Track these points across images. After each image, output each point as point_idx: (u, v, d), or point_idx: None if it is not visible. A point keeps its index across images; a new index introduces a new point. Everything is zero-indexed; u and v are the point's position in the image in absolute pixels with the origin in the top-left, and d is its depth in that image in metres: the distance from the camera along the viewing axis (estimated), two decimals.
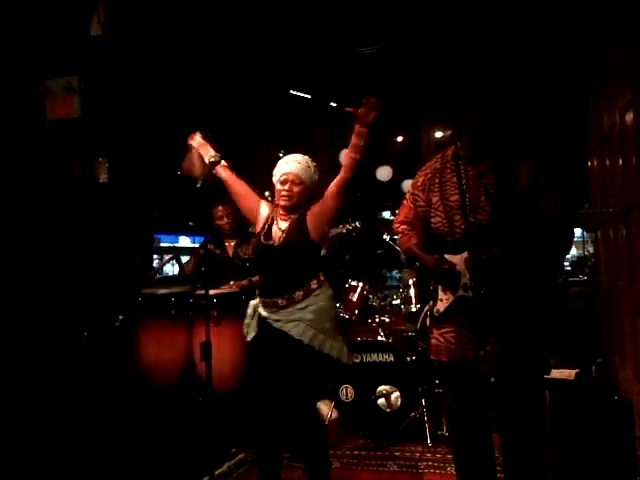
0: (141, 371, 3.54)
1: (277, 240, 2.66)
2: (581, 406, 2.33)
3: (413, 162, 8.76)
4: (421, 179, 2.51)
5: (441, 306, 2.39)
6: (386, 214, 13.83)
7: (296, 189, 2.64)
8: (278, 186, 2.70)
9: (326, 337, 2.55)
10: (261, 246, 2.70)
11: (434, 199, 2.44)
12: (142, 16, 4.30)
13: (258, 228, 2.77)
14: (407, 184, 9.56)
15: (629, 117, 2.97)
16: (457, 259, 2.33)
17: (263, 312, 2.68)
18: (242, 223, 4.05)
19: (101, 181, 4.28)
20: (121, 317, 3.79)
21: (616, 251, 3.44)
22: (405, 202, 2.59)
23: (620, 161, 3.21)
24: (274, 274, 2.67)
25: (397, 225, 2.62)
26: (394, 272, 12.25)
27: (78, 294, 4.08)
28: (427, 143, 8.49)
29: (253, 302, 2.78)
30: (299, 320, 2.55)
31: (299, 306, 2.57)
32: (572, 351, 3.51)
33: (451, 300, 2.35)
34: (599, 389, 2.60)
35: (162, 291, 3.51)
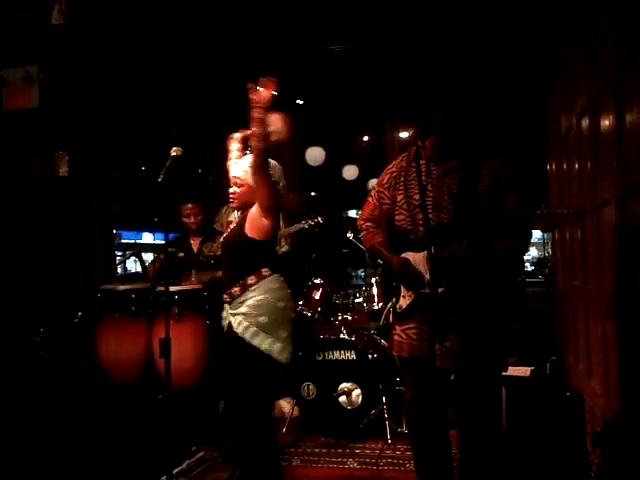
0: (100, 368, 3.48)
1: (225, 236, 2.74)
2: (535, 403, 2.40)
3: (379, 161, 8.85)
4: (387, 177, 2.54)
5: (404, 303, 2.42)
6: (352, 213, 13.92)
7: (239, 191, 2.66)
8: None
9: (258, 330, 2.51)
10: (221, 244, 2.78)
11: (399, 197, 2.47)
12: (104, 5, 4.21)
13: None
14: (373, 183, 9.65)
15: (585, 122, 3.05)
16: (419, 257, 2.37)
17: (226, 307, 2.71)
18: (208, 221, 4.03)
19: (61, 174, 4.18)
20: (80, 313, 3.73)
21: (572, 252, 3.54)
22: (370, 199, 2.61)
23: (576, 164, 3.30)
24: (223, 271, 2.73)
25: (362, 222, 2.64)
26: (359, 271, 12.33)
27: (37, 289, 3.98)
28: (392, 143, 8.55)
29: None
30: (237, 314, 2.56)
31: (238, 300, 2.57)
32: (529, 349, 3.60)
33: (413, 297, 2.39)
34: (553, 386, 2.67)
35: (122, 287, 3.46)
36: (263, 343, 2.49)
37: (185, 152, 2.74)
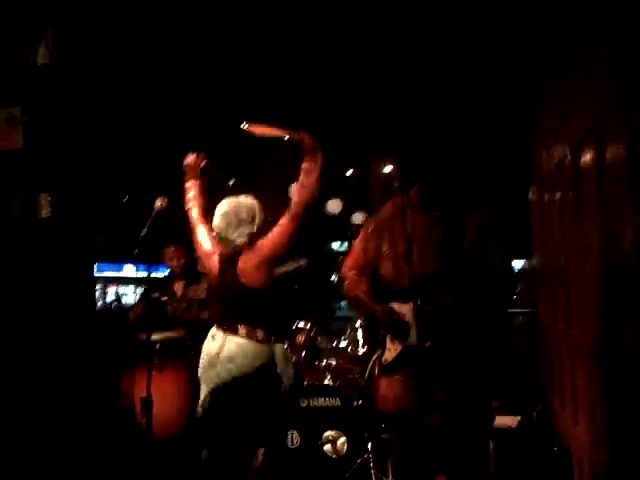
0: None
1: None
2: (523, 456, 2.36)
3: (363, 195, 8.92)
4: (372, 226, 2.52)
5: (389, 355, 2.39)
6: (335, 245, 13.96)
7: None
8: None
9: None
10: None
11: (384, 247, 2.45)
12: (90, 47, 4.22)
13: None
14: (356, 217, 9.71)
15: (567, 167, 3.09)
16: (405, 308, 2.34)
17: None
18: (192, 264, 3.98)
19: (43, 215, 4.13)
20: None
21: (555, 295, 3.56)
22: (355, 247, 2.60)
23: (557, 211, 3.34)
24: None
25: (346, 270, 2.61)
26: (342, 303, 12.31)
27: (15, 333, 3.89)
28: (376, 177, 8.66)
29: None
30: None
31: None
32: (515, 392, 3.58)
33: (399, 350, 2.36)
34: (540, 439, 2.65)
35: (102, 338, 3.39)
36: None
37: (167, 193, 2.73)
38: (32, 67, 4.16)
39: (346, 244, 13.63)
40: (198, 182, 2.65)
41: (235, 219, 2.62)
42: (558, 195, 3.35)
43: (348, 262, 2.62)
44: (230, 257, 2.62)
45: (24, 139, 4.18)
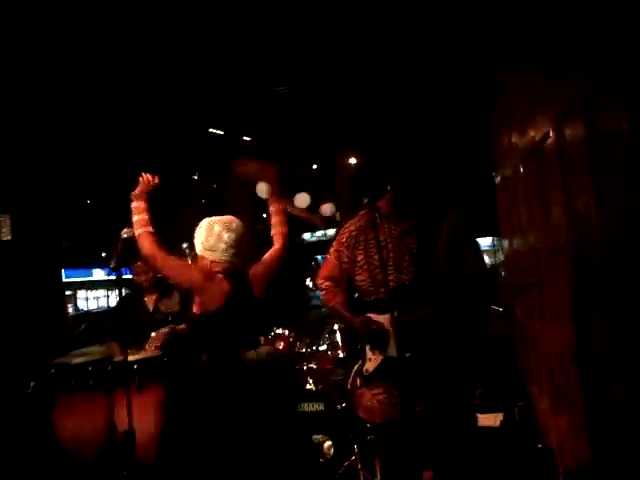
0: (57, 444, 3.31)
1: None
2: (507, 454, 2.40)
3: (329, 187, 8.93)
4: (345, 236, 2.51)
5: (370, 366, 2.40)
6: (306, 236, 13.98)
7: None
8: None
9: None
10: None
11: (359, 257, 2.44)
12: (42, 64, 4.09)
13: None
14: (325, 208, 9.72)
15: (528, 167, 3.11)
16: (382, 318, 2.34)
17: None
18: (162, 277, 3.91)
19: (3, 238, 4.02)
20: (32, 383, 3.56)
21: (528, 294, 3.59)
22: (329, 257, 2.58)
23: (524, 198, 3.36)
24: None
25: (321, 281, 2.60)
26: (318, 292, 12.36)
27: None
28: (342, 168, 8.66)
29: None
30: None
31: None
32: (492, 377, 3.63)
33: (379, 361, 2.37)
34: (522, 437, 2.69)
35: (76, 360, 3.31)
36: None
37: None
38: None
39: (318, 234, 13.67)
40: (147, 204, 2.62)
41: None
42: (524, 182, 3.36)
43: (323, 272, 2.61)
44: (236, 272, 2.66)
45: None
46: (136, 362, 3.21)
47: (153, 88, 4.94)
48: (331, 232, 10.12)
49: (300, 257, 4.79)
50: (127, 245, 2.39)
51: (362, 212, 2.52)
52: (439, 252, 2.32)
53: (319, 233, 13.28)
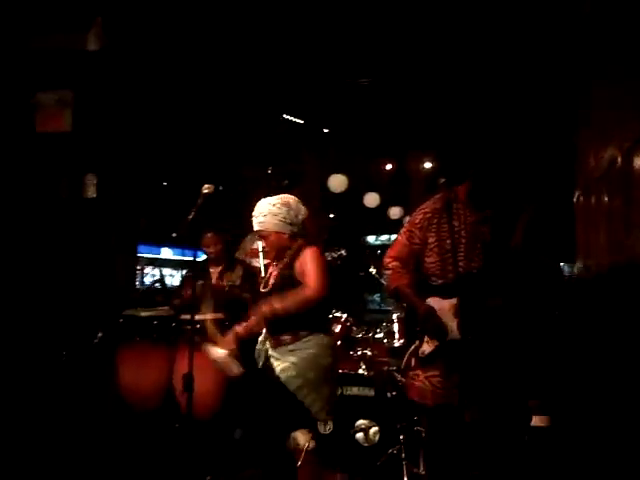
0: (119, 393, 3.48)
1: (271, 284, 2.72)
2: (555, 453, 2.35)
3: (401, 190, 8.89)
4: (419, 217, 2.51)
5: (427, 348, 2.40)
6: (370, 239, 13.95)
7: (269, 242, 2.69)
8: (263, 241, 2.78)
9: (303, 385, 2.56)
10: (260, 295, 2.77)
11: (430, 239, 2.44)
12: (140, 33, 4.31)
13: (261, 280, 2.85)
14: (394, 211, 9.66)
15: (616, 171, 3.02)
16: (445, 304, 2.34)
17: (267, 345, 2.75)
18: (229, 251, 4.03)
19: (89, 196, 4.26)
20: (100, 334, 3.76)
21: None
22: (400, 238, 2.58)
23: (605, 217, 3.26)
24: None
25: (389, 260, 2.60)
26: (375, 296, 12.32)
27: (60, 310, 4.03)
28: (416, 171, 8.59)
29: (263, 334, 2.83)
30: (286, 362, 2.60)
31: (287, 348, 2.62)
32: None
33: (437, 343, 2.36)
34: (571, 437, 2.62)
35: (144, 313, 3.48)
36: (306, 398, 2.55)
37: (211, 182, 2.77)
38: (82, 53, 4.28)
39: (382, 238, 13.60)
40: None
41: None
42: (605, 200, 3.27)
43: (391, 253, 2.61)
44: None
45: (73, 122, 4.32)
46: (199, 321, 3.34)
47: (232, 76, 5.08)
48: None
49: (362, 260, 4.81)
50: (206, 201, 2.49)
51: (438, 195, 2.51)
52: (512, 244, 2.31)
53: (384, 237, 13.20)
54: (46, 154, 4.27)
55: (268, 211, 2.68)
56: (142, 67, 4.41)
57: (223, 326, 3.47)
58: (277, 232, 2.66)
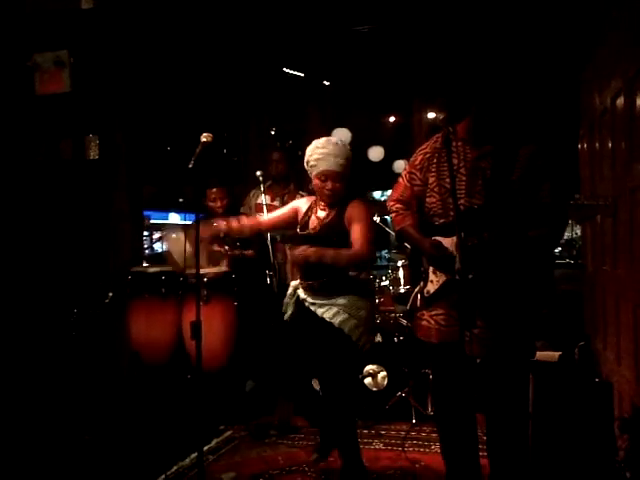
0: (131, 348, 3.56)
1: (314, 228, 2.74)
2: (563, 388, 2.39)
3: (405, 143, 8.79)
4: (419, 158, 2.49)
5: (431, 287, 2.41)
6: (376, 194, 13.87)
7: (338, 185, 2.67)
8: (317, 181, 2.71)
9: (359, 324, 2.64)
10: (298, 237, 2.80)
11: (431, 179, 2.43)
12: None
13: (299, 222, 2.85)
14: (398, 165, 9.57)
15: (620, 102, 2.98)
16: (448, 242, 2.35)
17: (302, 294, 2.78)
18: (234, 205, 4.05)
19: (91, 157, 4.25)
20: (111, 294, 3.82)
21: (602, 236, 3.49)
22: (401, 180, 2.57)
23: (609, 146, 3.23)
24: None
25: (392, 203, 2.60)
26: (383, 252, 12.34)
27: (68, 271, 4.08)
28: (419, 124, 8.46)
29: (294, 283, 2.88)
30: (331, 304, 2.64)
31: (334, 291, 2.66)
32: (557, 333, 3.58)
33: (441, 282, 2.38)
34: (581, 372, 2.66)
35: (152, 269, 3.53)
36: (358, 334, 2.64)
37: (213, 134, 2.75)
38: (77, 11, 4.22)
39: (389, 193, 13.53)
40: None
41: None
42: (610, 136, 3.24)
43: (393, 195, 2.61)
44: None
45: (72, 82, 4.28)
46: (206, 275, 3.38)
47: (231, 29, 4.98)
48: None
49: None
50: (205, 149, 2.48)
51: (438, 134, 2.49)
52: (513, 179, 2.28)
53: (390, 192, 13.09)
54: (47, 115, 4.25)
55: (349, 155, 2.68)
56: (141, 24, 4.33)
57: (230, 280, 3.52)
58: (346, 177, 2.69)
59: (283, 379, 3.14)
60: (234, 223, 2.93)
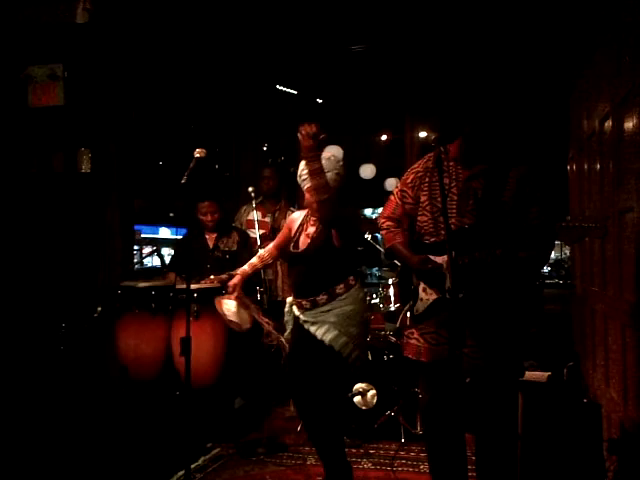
0: (119, 363, 3.53)
1: (303, 246, 2.75)
2: (552, 409, 2.39)
3: (397, 161, 8.86)
4: (411, 176, 2.51)
5: (421, 306, 2.42)
6: (368, 211, 13.94)
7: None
8: (308, 195, 2.71)
9: (349, 341, 2.63)
10: (288, 255, 2.82)
11: (422, 198, 2.45)
12: (129, 4, 4.26)
13: (292, 239, 2.85)
14: (390, 182, 9.63)
15: (608, 126, 3.02)
16: (439, 260, 2.36)
17: (295, 311, 2.79)
18: (225, 218, 4.05)
19: (83, 171, 4.25)
20: (100, 308, 3.79)
21: (591, 257, 3.52)
22: (392, 198, 2.59)
23: (598, 169, 3.27)
24: (299, 278, 2.76)
25: (383, 221, 2.61)
26: (374, 269, 12.36)
27: (58, 285, 4.05)
28: (411, 142, 8.53)
29: (290, 299, 2.87)
30: (322, 322, 2.64)
31: (323, 309, 2.67)
32: (546, 354, 3.59)
33: (431, 300, 2.39)
34: (570, 392, 2.66)
35: (142, 284, 3.51)
36: (348, 351, 2.63)
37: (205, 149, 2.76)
38: (72, 25, 4.24)
39: (380, 210, 13.59)
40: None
41: None
42: (598, 158, 3.28)
43: (384, 213, 2.62)
44: None
45: (65, 96, 4.29)
46: (196, 291, 3.37)
47: (224, 46, 5.02)
48: None
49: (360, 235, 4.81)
50: (199, 164, 2.49)
51: (430, 154, 2.51)
52: (504, 199, 2.30)
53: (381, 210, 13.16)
54: (39, 128, 4.25)
55: (340, 171, 2.69)
56: (135, 39, 4.36)
57: (219, 295, 3.50)
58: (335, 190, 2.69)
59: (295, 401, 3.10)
60: (257, 262, 3.02)
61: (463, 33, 4.29)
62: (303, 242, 2.76)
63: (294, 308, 2.79)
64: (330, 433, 2.72)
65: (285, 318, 2.88)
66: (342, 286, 2.65)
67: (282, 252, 2.91)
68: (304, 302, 2.69)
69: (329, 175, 2.62)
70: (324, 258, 2.65)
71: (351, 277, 2.68)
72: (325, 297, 2.64)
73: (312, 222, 2.78)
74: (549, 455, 2.35)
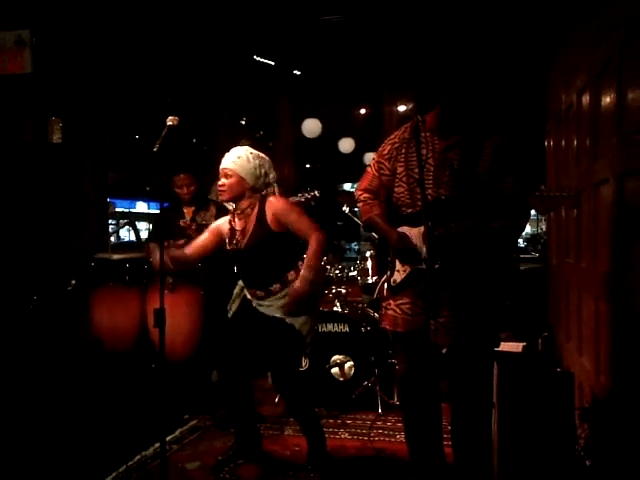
0: (94, 336, 3.49)
1: (242, 243, 2.71)
2: (526, 378, 2.42)
3: (376, 135, 8.82)
4: (388, 148, 2.49)
5: (398, 277, 2.42)
6: (347, 186, 13.91)
7: (228, 182, 2.67)
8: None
9: (308, 319, 2.69)
10: (230, 252, 2.78)
11: (399, 169, 2.43)
12: None
13: (227, 241, 2.81)
14: (369, 157, 9.60)
15: (585, 99, 3.02)
16: (415, 232, 2.35)
17: (248, 295, 2.79)
18: (202, 191, 3.98)
19: (54, 141, 4.14)
20: (74, 281, 3.73)
21: (567, 230, 3.55)
22: (369, 170, 2.56)
23: (575, 142, 3.28)
24: (249, 272, 2.75)
25: (360, 193, 2.58)
26: (353, 244, 12.39)
27: (28, 257, 3.97)
28: (390, 116, 8.51)
29: (241, 282, 2.85)
30: (279, 306, 2.68)
31: (278, 296, 2.68)
32: (521, 325, 3.63)
33: (408, 271, 2.38)
34: (544, 362, 2.70)
35: (116, 256, 3.45)
36: (310, 330, 2.71)
37: (180, 121, 2.69)
38: None
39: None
40: None
41: None
42: (575, 131, 3.29)
43: (361, 185, 2.60)
44: None
45: (33, 63, 4.15)
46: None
47: (202, 15, 4.89)
48: None
49: (338, 208, 4.77)
50: (171, 132, 2.42)
51: (407, 124, 2.49)
52: (480, 170, 2.30)
53: None
54: (7, 98, 4.12)
55: (244, 156, 2.70)
56: (108, 5, 4.22)
57: (196, 269, 3.46)
58: (241, 177, 2.66)
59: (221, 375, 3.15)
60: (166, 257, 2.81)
61: (442, 4, 4.24)
62: (240, 239, 2.74)
63: (246, 291, 2.79)
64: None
65: (232, 299, 2.87)
66: (293, 272, 2.67)
67: (221, 253, 2.87)
68: (258, 292, 2.72)
69: (232, 158, 2.69)
70: (269, 249, 2.67)
71: (300, 261, 2.70)
72: (278, 285, 2.67)
73: (238, 215, 2.76)
74: (523, 423, 2.39)
